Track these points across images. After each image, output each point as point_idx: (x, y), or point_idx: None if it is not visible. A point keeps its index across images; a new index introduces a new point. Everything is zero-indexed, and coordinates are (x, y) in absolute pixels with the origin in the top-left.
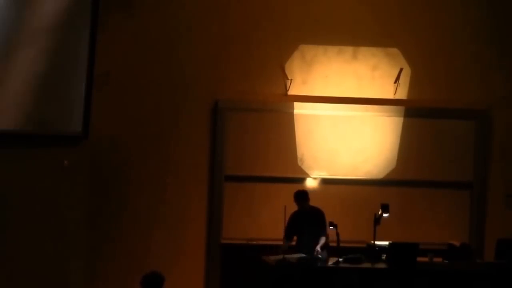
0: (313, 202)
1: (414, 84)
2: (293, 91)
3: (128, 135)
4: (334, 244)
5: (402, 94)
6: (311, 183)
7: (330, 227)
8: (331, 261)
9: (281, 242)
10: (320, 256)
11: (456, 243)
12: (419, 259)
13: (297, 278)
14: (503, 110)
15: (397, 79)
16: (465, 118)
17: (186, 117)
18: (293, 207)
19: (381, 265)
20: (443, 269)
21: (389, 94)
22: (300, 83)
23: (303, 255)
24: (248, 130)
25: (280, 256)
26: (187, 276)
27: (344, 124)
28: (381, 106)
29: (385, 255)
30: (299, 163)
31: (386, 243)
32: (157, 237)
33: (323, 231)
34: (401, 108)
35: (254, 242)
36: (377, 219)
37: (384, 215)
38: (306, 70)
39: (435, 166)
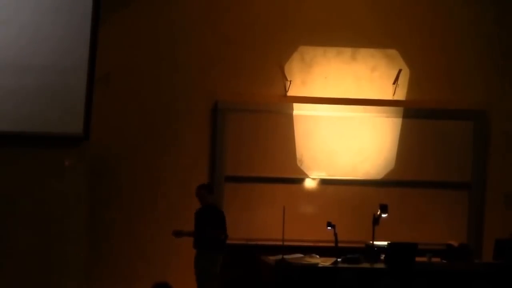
0: (312, 203)
1: (412, 85)
2: (292, 92)
3: (128, 136)
4: (332, 245)
5: (401, 95)
6: (310, 183)
7: (328, 227)
8: (329, 262)
9: (280, 242)
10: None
11: (455, 243)
12: (418, 259)
13: (296, 278)
14: (501, 110)
15: (396, 80)
16: (464, 119)
17: (185, 118)
18: (292, 207)
19: (380, 265)
20: (441, 269)
21: (388, 95)
22: (300, 84)
23: (301, 255)
24: (247, 131)
25: (279, 256)
26: (187, 276)
27: (343, 125)
28: (380, 107)
29: (383, 255)
30: (299, 164)
31: (385, 243)
32: (157, 237)
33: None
34: (400, 109)
35: (254, 242)
36: (376, 220)
37: (383, 215)
38: (306, 71)
39: (433, 167)
